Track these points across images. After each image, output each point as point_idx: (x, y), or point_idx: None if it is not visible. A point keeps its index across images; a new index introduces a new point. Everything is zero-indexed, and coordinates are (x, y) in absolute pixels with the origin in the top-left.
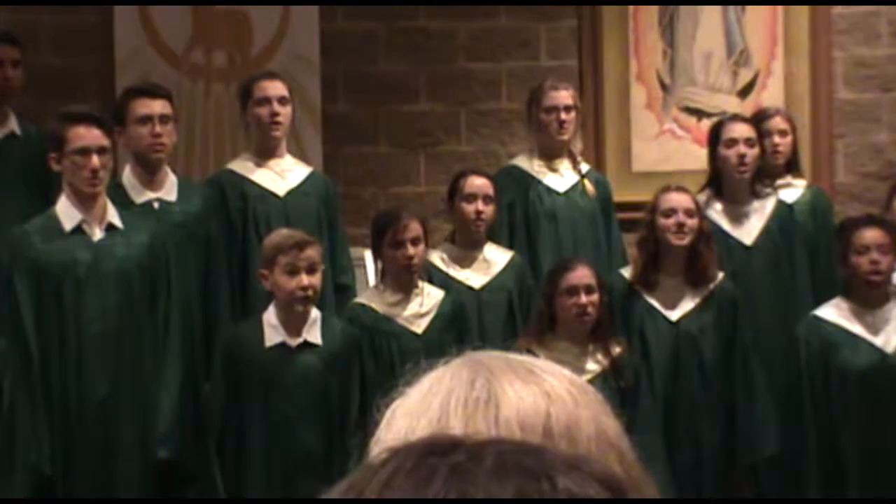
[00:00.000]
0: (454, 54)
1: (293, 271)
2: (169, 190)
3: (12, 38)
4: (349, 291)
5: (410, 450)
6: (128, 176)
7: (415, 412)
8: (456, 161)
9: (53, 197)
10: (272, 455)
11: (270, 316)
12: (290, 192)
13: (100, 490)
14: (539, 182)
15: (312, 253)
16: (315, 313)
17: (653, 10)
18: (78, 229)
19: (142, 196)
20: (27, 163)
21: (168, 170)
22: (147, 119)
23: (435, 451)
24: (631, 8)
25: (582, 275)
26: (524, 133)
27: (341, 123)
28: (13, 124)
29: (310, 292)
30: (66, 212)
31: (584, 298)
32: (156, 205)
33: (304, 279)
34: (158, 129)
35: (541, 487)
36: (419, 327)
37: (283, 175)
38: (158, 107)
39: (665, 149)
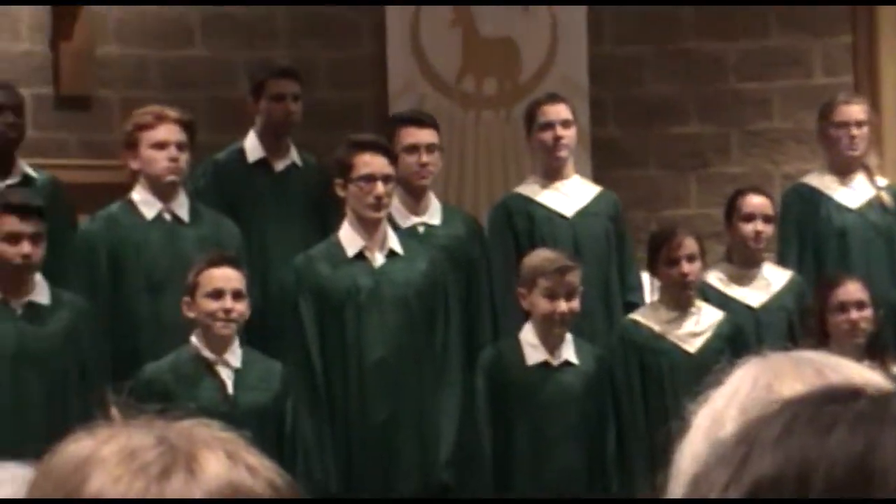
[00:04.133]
0: (723, 75)
1: (552, 296)
2: (433, 214)
3: (294, 72)
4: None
5: (806, 399)
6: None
7: (708, 405)
8: (727, 182)
9: (331, 224)
10: (537, 472)
11: (528, 335)
12: (579, 213)
13: None
14: (829, 198)
15: (573, 279)
16: (568, 334)
17: None
18: (360, 255)
19: (407, 220)
20: (307, 192)
21: (432, 195)
22: (414, 148)
23: (835, 399)
24: None
25: (851, 290)
26: (797, 152)
27: (611, 147)
28: (294, 155)
29: (567, 317)
30: (349, 238)
31: (854, 314)
32: (420, 229)
33: (563, 305)
34: (425, 157)
35: None
36: (692, 346)
37: (570, 195)
38: (426, 136)
39: None
